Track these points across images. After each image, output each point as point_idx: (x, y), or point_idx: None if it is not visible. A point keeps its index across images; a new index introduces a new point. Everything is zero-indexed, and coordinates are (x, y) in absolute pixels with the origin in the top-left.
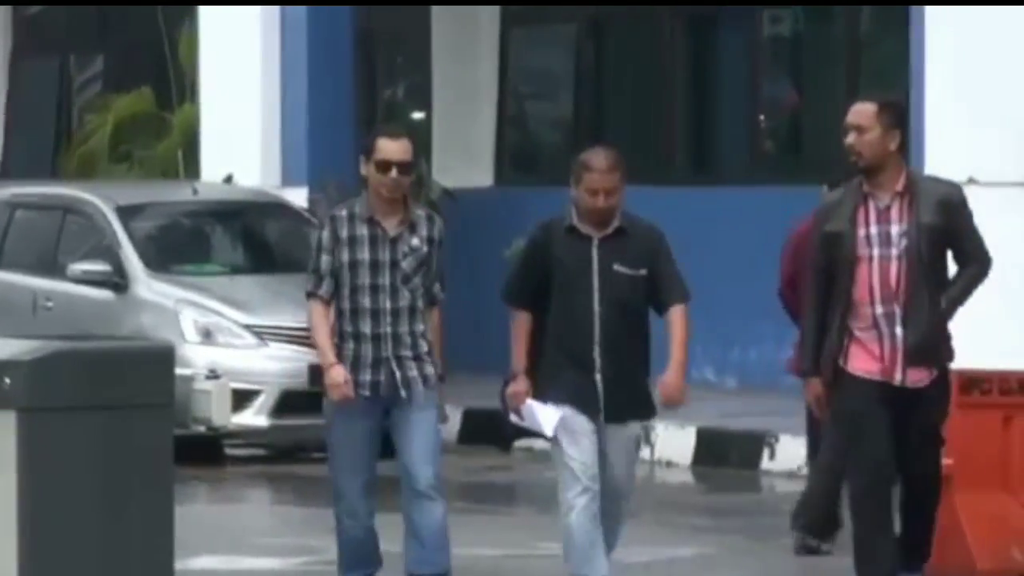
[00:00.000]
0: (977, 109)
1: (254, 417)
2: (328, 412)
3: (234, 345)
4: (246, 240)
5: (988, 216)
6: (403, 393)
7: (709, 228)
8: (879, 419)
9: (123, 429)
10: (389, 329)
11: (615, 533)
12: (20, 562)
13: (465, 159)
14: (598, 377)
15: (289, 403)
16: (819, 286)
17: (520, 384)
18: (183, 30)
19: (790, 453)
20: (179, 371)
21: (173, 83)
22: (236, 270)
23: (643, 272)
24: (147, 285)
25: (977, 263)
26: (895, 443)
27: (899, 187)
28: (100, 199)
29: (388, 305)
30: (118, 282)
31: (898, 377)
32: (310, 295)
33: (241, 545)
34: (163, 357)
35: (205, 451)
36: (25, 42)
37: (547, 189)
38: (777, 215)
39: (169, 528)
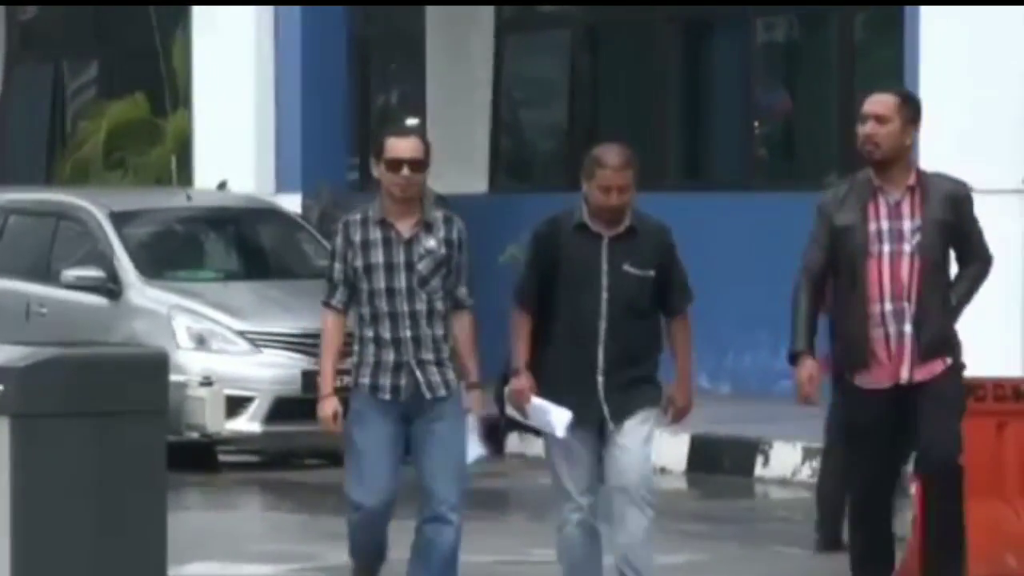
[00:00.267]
0: (971, 115)
1: (247, 423)
2: (347, 422)
3: (228, 351)
4: (240, 246)
5: (982, 223)
6: (427, 395)
7: (703, 234)
8: (883, 435)
9: (116, 435)
10: (409, 333)
11: (641, 543)
12: (13, 568)
13: (460, 165)
14: (601, 380)
15: (282, 409)
16: (815, 273)
17: (523, 380)
18: (177, 37)
19: (784, 460)
20: (172, 377)
21: (167, 89)
22: (230, 276)
23: (651, 273)
24: (140, 291)
25: (980, 261)
26: (908, 439)
27: (910, 181)
28: (94, 205)
29: (406, 308)
30: (112, 288)
31: (905, 375)
32: (324, 304)
33: (235, 552)
34: (156, 363)
35: (199, 457)
36: (19, 48)
37: (541, 195)
38: (771, 221)
39: (162, 535)
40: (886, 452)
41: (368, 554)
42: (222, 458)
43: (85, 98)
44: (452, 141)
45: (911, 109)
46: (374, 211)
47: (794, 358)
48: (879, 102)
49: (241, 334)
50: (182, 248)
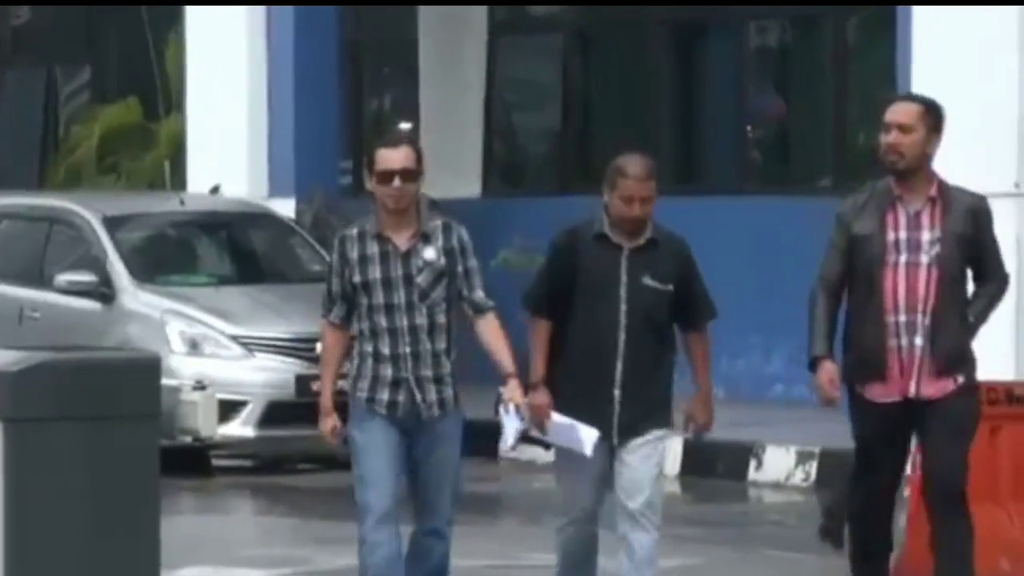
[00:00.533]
0: (964, 119)
1: (240, 428)
2: (350, 434)
3: (220, 356)
4: (233, 251)
5: None
6: (424, 415)
7: (696, 238)
8: (891, 448)
9: (109, 439)
10: (408, 348)
11: (648, 551)
12: (7, 572)
13: (452, 170)
14: (617, 393)
15: (275, 414)
16: (833, 280)
17: (543, 396)
18: (170, 41)
19: (777, 464)
20: (165, 382)
21: (160, 94)
22: (223, 281)
23: (670, 287)
24: (133, 296)
25: (998, 279)
26: (922, 454)
27: (932, 192)
28: (87, 210)
29: (405, 323)
30: (104, 293)
31: (912, 389)
32: (323, 318)
33: (227, 556)
34: (149, 368)
35: (191, 462)
36: (12, 52)
37: (534, 200)
38: (764, 225)
39: (155, 539)
40: (892, 464)
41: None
42: (215, 462)
43: (78, 102)
44: (445, 145)
45: (934, 117)
46: (370, 225)
47: (813, 364)
48: (902, 111)
49: (234, 338)
50: (175, 252)
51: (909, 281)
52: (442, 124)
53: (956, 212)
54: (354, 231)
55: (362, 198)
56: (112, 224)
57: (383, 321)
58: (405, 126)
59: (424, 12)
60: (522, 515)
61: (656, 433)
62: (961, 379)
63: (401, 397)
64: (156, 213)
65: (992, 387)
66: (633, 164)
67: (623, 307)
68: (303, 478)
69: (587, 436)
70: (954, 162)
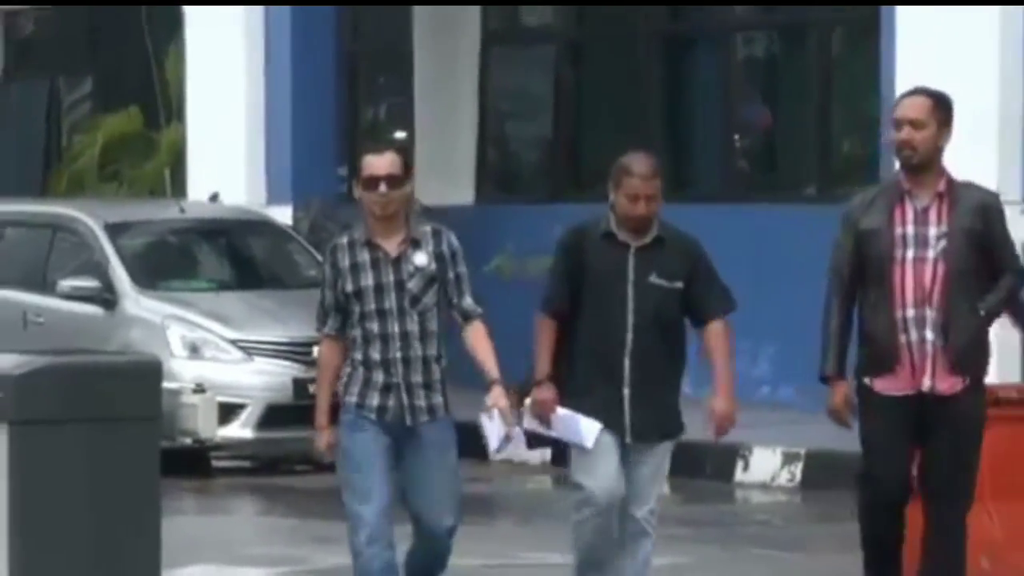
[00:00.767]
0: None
1: (240, 430)
2: (340, 441)
3: (220, 360)
4: (232, 257)
5: None
6: (408, 421)
7: None
8: (900, 442)
9: (111, 441)
10: (399, 354)
11: (642, 556)
12: (11, 570)
13: (446, 177)
14: (626, 392)
15: (274, 416)
16: (843, 288)
17: (548, 391)
18: (170, 52)
19: (763, 465)
20: (166, 385)
21: (160, 104)
22: (222, 286)
23: (678, 285)
24: (135, 301)
25: (1012, 273)
26: (923, 456)
27: (940, 188)
28: (89, 217)
29: (396, 329)
30: (107, 298)
31: (927, 383)
32: (318, 331)
33: (227, 555)
34: (150, 371)
35: (192, 463)
36: (15, 63)
37: (526, 207)
38: (751, 231)
39: (156, 538)
40: (902, 458)
41: None
42: (215, 463)
43: (80, 112)
44: (439, 153)
45: (944, 111)
46: (360, 233)
47: (825, 379)
48: (913, 106)
49: (233, 343)
50: (176, 259)
51: (916, 276)
52: (436, 133)
53: (964, 207)
54: (344, 240)
55: (357, 204)
56: (114, 231)
57: (375, 327)
58: (400, 135)
59: (419, 23)
60: (516, 515)
61: (665, 446)
62: (970, 378)
63: (391, 402)
64: (157, 220)
65: None
66: (638, 162)
67: (630, 305)
68: (301, 479)
69: (588, 429)
70: None
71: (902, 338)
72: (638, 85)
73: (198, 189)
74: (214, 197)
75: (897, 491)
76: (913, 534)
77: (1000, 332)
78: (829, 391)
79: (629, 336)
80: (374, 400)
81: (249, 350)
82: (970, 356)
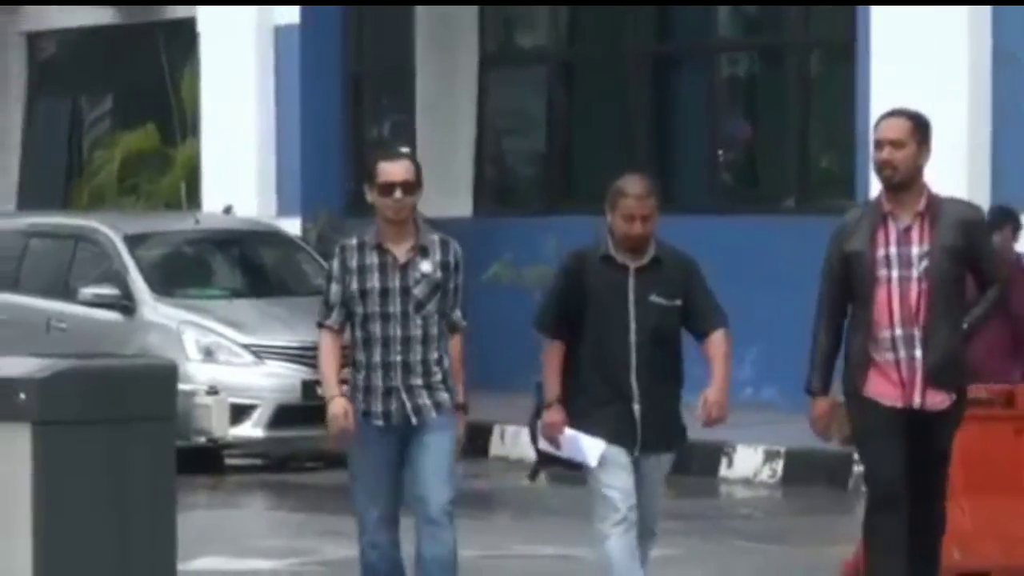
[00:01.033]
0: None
1: (251, 429)
2: (351, 446)
3: (233, 363)
4: (244, 266)
5: None
6: (414, 421)
7: None
8: (895, 441)
9: (129, 440)
10: (399, 357)
11: (648, 553)
12: (35, 561)
13: (446, 191)
14: (636, 407)
15: (283, 416)
16: (831, 305)
17: (556, 414)
18: (185, 72)
19: (746, 462)
20: (181, 387)
21: (176, 121)
22: (235, 294)
23: (678, 302)
24: (152, 308)
25: (997, 284)
26: (909, 459)
27: (920, 207)
28: (109, 228)
29: (399, 333)
30: (126, 305)
31: (917, 400)
32: (320, 325)
33: (239, 547)
34: (166, 374)
35: (206, 461)
36: (39, 84)
37: (521, 219)
38: (733, 242)
39: (172, 531)
40: (899, 458)
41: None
42: (227, 461)
43: (100, 130)
44: (439, 168)
45: (922, 131)
46: (370, 236)
47: (810, 394)
48: (893, 127)
49: (245, 347)
50: (191, 268)
51: (902, 296)
52: (437, 149)
53: (946, 225)
54: (354, 241)
55: (363, 216)
56: (132, 241)
57: (377, 330)
58: (404, 151)
59: (420, 47)
60: (513, 510)
61: (670, 457)
62: (955, 394)
63: (394, 406)
64: (173, 231)
65: None
66: (632, 183)
67: (632, 325)
68: (309, 475)
69: (590, 449)
70: None
71: (889, 356)
72: (627, 103)
73: (212, 202)
74: (227, 209)
75: (896, 488)
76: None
77: None
78: (811, 404)
79: (633, 354)
80: (378, 407)
81: (260, 354)
82: (954, 370)
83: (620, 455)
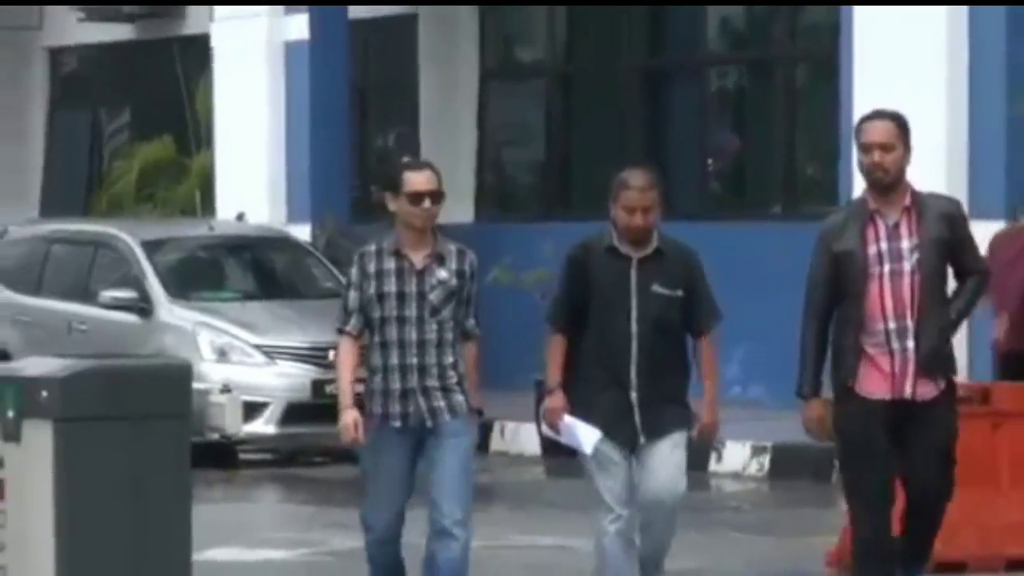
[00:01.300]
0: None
1: (263, 426)
2: (362, 451)
3: (245, 363)
4: (256, 270)
5: None
6: (428, 423)
7: None
8: (883, 442)
9: (146, 437)
10: (415, 360)
11: (663, 545)
12: (57, 553)
13: (448, 198)
14: (634, 396)
15: (294, 414)
16: (818, 308)
17: (557, 400)
18: (200, 86)
19: (735, 457)
20: (196, 386)
21: (191, 132)
22: (247, 296)
23: (680, 293)
24: (169, 310)
25: (978, 274)
26: (904, 460)
27: (906, 202)
28: (127, 235)
29: (414, 336)
30: (143, 307)
31: (908, 390)
32: (339, 331)
33: (252, 538)
34: (182, 373)
35: (219, 456)
36: (61, 97)
37: (521, 224)
38: (723, 247)
39: (187, 524)
40: (886, 460)
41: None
42: (240, 456)
43: (119, 141)
44: (442, 176)
45: (906, 132)
46: (388, 242)
47: (802, 397)
48: (881, 131)
49: (257, 347)
50: (205, 272)
51: (894, 289)
52: (439, 158)
53: (931, 218)
54: (372, 248)
55: (368, 222)
56: (150, 247)
57: (394, 333)
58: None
59: (424, 61)
60: (511, 502)
61: (677, 437)
62: (944, 381)
63: (411, 408)
64: (188, 237)
65: None
66: (634, 176)
67: (634, 314)
68: (318, 470)
69: (586, 437)
70: None
71: (883, 350)
72: (621, 115)
73: (225, 209)
74: (240, 216)
75: (882, 491)
76: None
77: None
78: (804, 408)
79: (634, 344)
80: (396, 408)
81: (271, 354)
82: (941, 360)
83: (615, 452)
